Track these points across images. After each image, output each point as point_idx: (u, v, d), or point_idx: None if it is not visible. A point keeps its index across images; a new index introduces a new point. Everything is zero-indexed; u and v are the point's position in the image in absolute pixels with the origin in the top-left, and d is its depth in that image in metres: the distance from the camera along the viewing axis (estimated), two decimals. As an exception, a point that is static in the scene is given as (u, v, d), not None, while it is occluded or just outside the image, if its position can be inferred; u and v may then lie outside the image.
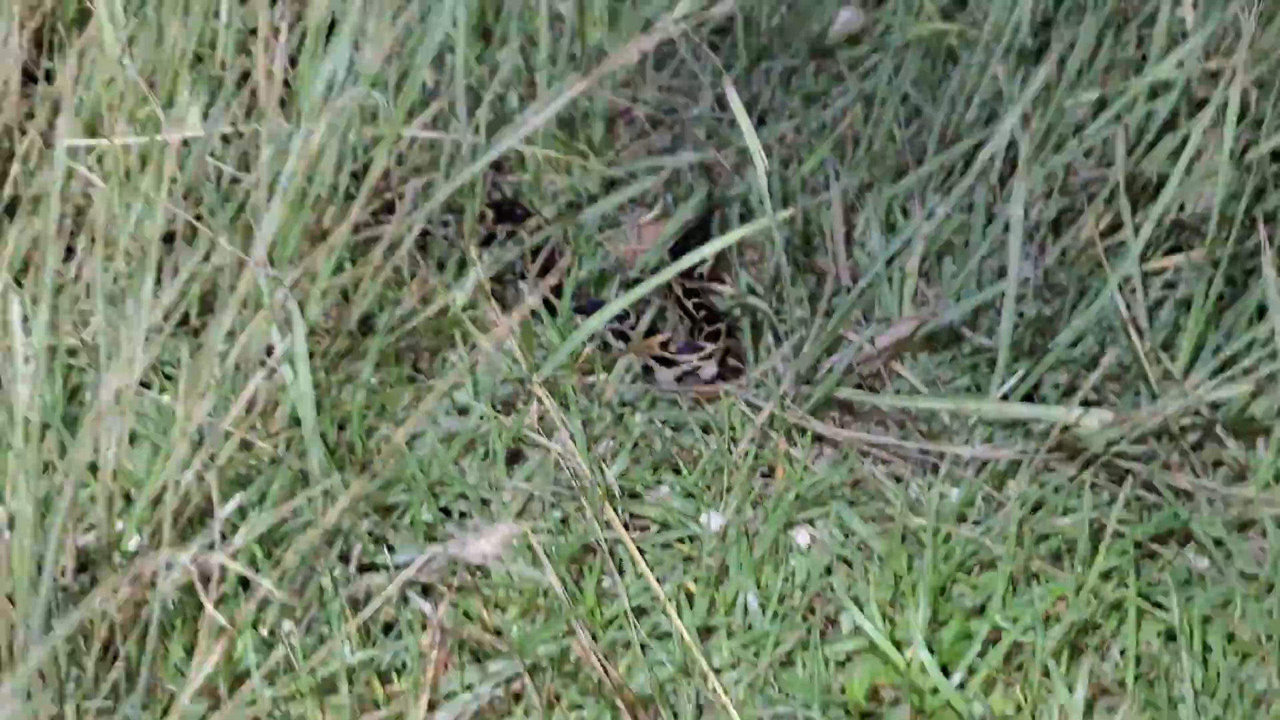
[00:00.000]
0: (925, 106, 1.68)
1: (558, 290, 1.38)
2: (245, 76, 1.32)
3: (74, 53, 1.10)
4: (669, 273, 1.26)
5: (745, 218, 1.57)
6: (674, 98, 1.74)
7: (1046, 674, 1.14)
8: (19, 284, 1.16)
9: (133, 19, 1.30)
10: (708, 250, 1.29)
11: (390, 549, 1.15)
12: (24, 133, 1.26)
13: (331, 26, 1.29)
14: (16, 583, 0.86)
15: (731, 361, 1.42)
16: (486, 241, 1.48)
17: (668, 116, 1.72)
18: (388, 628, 1.10)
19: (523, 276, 1.43)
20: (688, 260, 1.28)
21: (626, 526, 1.21)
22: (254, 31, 1.28)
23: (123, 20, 1.26)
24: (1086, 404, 1.26)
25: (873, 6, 1.86)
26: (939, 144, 1.61)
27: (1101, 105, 1.56)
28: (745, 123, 1.33)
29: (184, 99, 1.25)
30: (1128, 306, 1.34)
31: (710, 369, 1.39)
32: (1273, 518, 1.29)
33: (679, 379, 1.39)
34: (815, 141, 1.65)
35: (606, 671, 1.07)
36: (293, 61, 1.29)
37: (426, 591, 1.12)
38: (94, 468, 0.95)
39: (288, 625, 1.06)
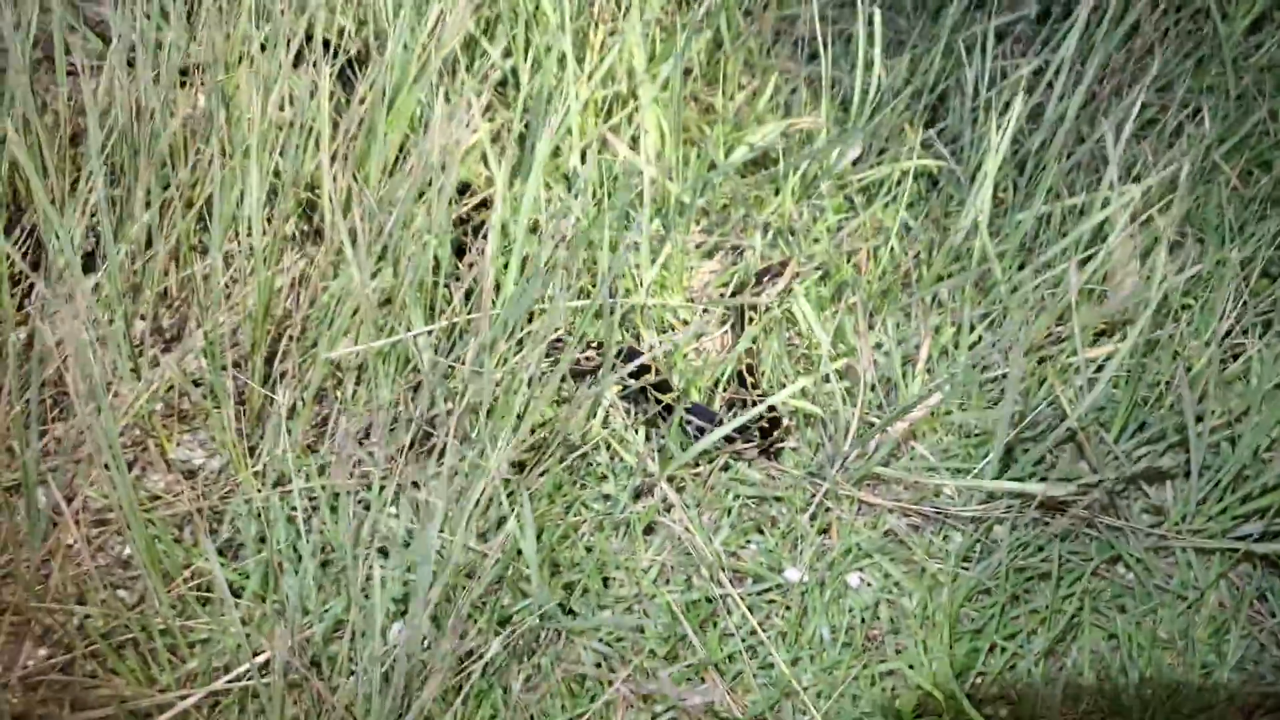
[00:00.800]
0: (921, 233, 2.17)
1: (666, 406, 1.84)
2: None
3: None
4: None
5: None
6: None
7: (1029, 674, 1.66)
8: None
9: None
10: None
11: (573, 614, 1.61)
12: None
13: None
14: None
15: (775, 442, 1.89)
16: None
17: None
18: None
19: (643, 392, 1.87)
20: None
21: (730, 582, 1.69)
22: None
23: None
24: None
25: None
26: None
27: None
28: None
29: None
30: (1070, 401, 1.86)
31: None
32: (1182, 546, 1.82)
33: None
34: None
35: (731, 698, 1.56)
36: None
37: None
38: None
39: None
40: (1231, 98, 2.62)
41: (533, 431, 1.65)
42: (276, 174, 1.65)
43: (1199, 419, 1.79)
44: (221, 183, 1.52)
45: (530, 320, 1.66)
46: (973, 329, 2.02)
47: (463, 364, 1.57)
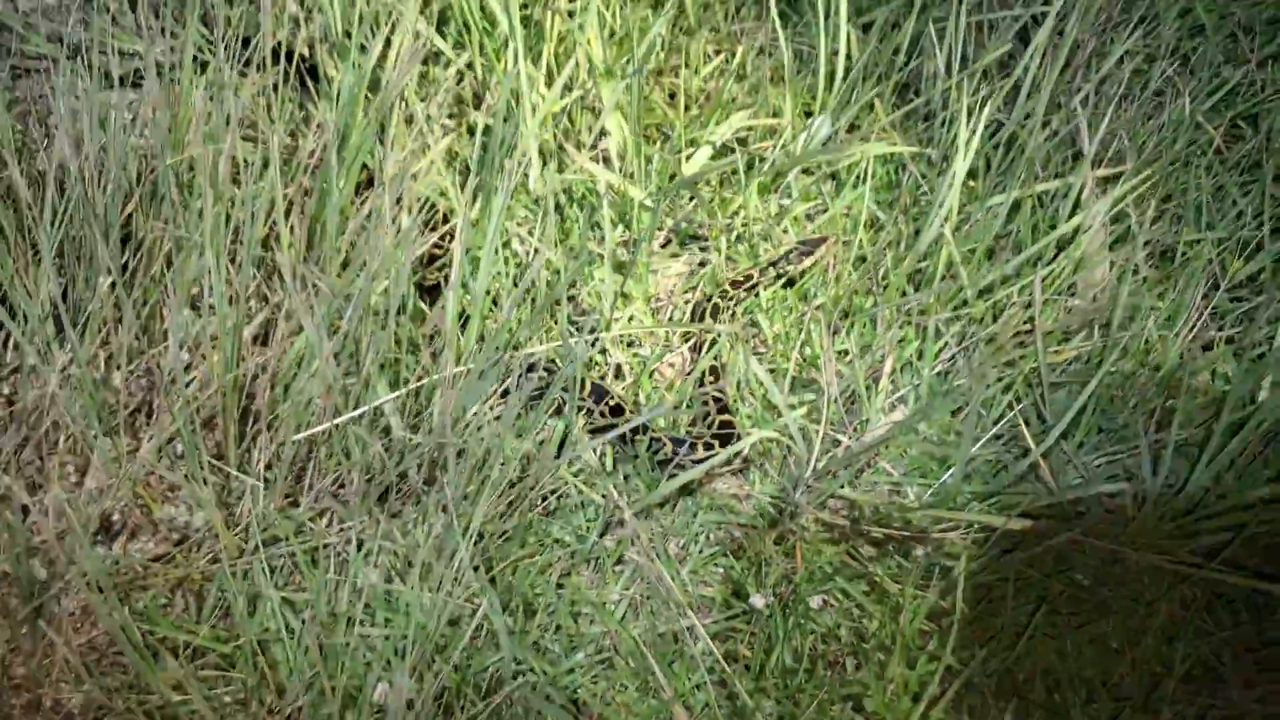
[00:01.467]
0: (890, 225, 2.14)
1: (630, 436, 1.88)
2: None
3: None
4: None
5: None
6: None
7: (983, 692, 1.75)
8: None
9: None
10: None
11: (545, 653, 1.70)
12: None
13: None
14: None
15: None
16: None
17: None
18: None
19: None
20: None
21: (693, 608, 1.78)
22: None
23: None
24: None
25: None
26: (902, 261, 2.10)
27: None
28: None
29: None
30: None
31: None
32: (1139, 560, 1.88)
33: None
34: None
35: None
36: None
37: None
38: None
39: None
40: (1214, 43, 2.53)
41: (509, 487, 1.71)
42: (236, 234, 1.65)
43: (1159, 428, 1.83)
44: (179, 268, 1.53)
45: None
46: (939, 335, 2.04)
47: (429, 428, 1.62)
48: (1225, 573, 1.80)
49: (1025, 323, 2.02)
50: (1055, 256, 2.02)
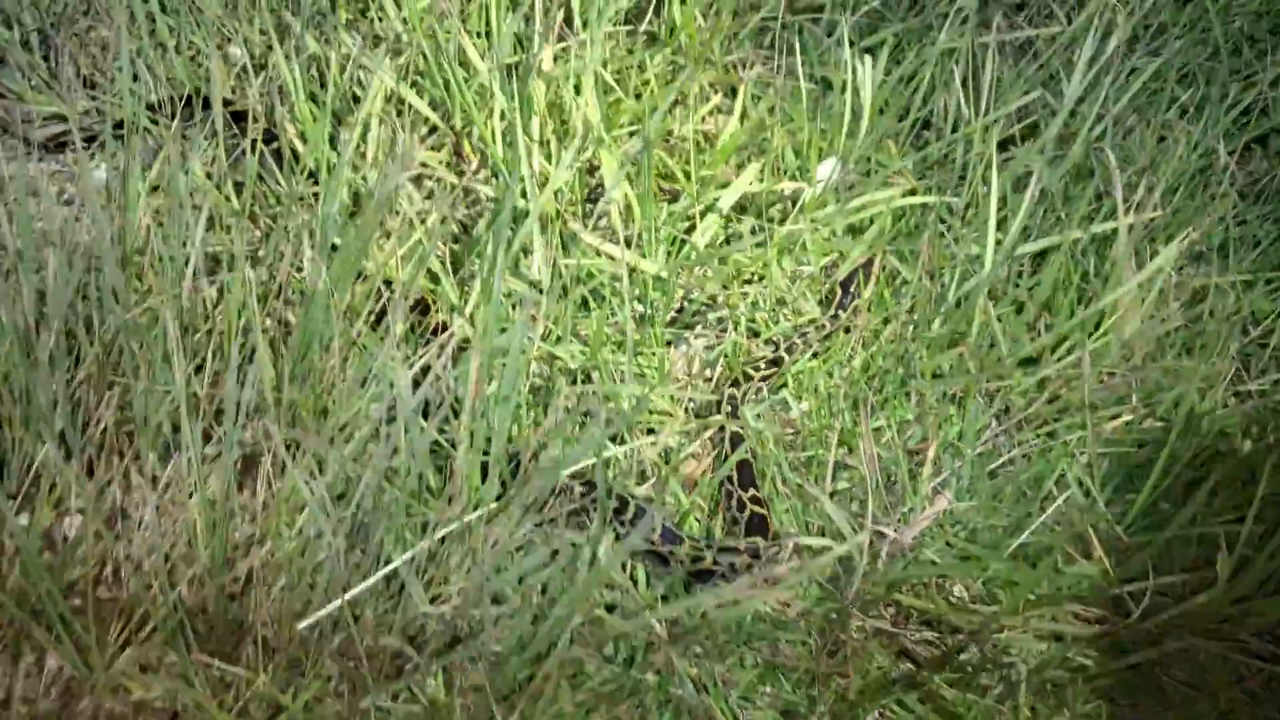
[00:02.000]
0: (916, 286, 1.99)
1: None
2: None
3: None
4: None
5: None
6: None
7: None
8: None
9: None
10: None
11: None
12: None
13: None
14: None
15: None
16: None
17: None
18: None
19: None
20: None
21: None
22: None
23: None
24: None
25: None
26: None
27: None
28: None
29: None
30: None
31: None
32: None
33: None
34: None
35: None
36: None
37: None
38: None
39: None
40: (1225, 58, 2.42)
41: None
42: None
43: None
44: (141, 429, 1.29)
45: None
46: (981, 412, 1.90)
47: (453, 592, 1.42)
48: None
49: (1066, 388, 1.89)
50: (1098, 325, 1.90)
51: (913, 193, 2.06)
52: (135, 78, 1.92)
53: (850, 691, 1.69)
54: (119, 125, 1.80)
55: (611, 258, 1.83)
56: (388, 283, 1.66)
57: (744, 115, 2.10)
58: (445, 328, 1.77)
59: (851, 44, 2.05)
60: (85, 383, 1.48)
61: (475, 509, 1.46)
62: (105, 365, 1.46)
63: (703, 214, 1.95)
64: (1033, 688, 1.73)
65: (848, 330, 1.98)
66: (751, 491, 1.78)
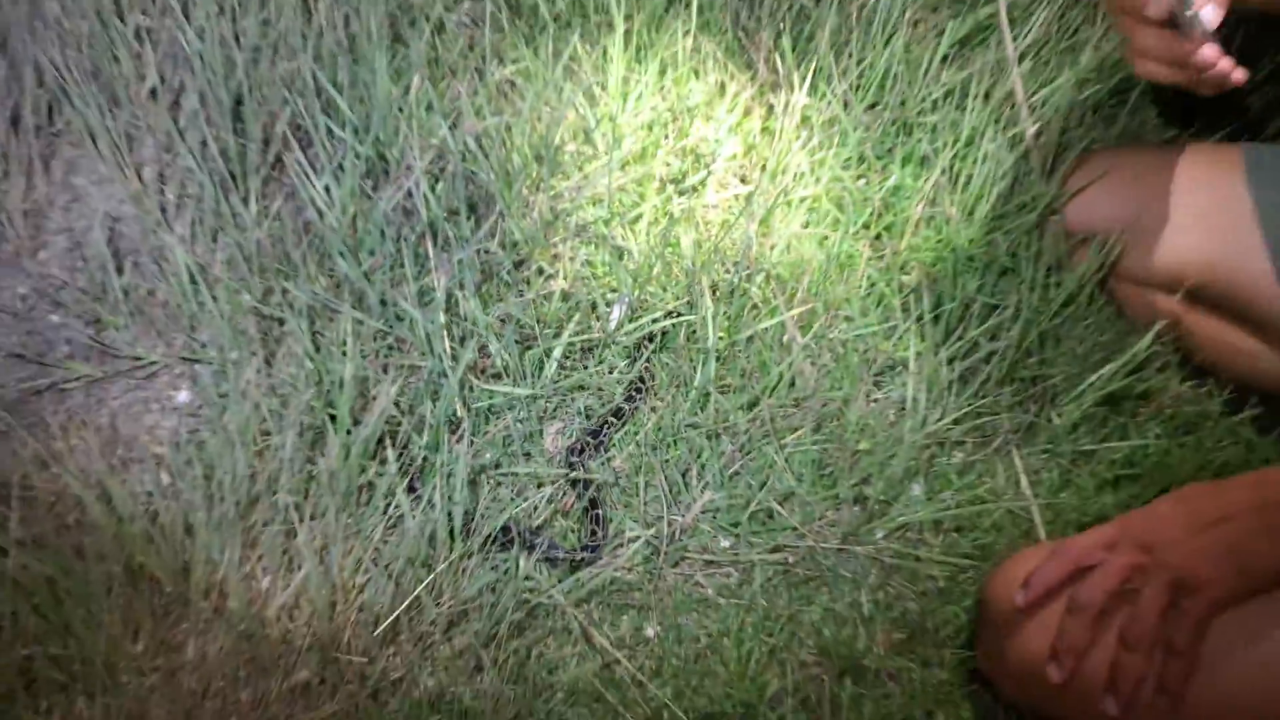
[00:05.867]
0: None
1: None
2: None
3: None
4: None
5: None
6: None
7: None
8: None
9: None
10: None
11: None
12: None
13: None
14: None
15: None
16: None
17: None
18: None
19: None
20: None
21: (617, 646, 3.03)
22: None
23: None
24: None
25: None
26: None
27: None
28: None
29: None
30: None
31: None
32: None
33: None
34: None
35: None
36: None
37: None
38: None
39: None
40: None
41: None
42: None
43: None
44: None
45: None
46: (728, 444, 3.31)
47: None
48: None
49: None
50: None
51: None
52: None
53: (669, 607, 3.08)
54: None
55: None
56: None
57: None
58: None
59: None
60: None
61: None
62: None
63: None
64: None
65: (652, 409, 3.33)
66: (598, 511, 3.17)
